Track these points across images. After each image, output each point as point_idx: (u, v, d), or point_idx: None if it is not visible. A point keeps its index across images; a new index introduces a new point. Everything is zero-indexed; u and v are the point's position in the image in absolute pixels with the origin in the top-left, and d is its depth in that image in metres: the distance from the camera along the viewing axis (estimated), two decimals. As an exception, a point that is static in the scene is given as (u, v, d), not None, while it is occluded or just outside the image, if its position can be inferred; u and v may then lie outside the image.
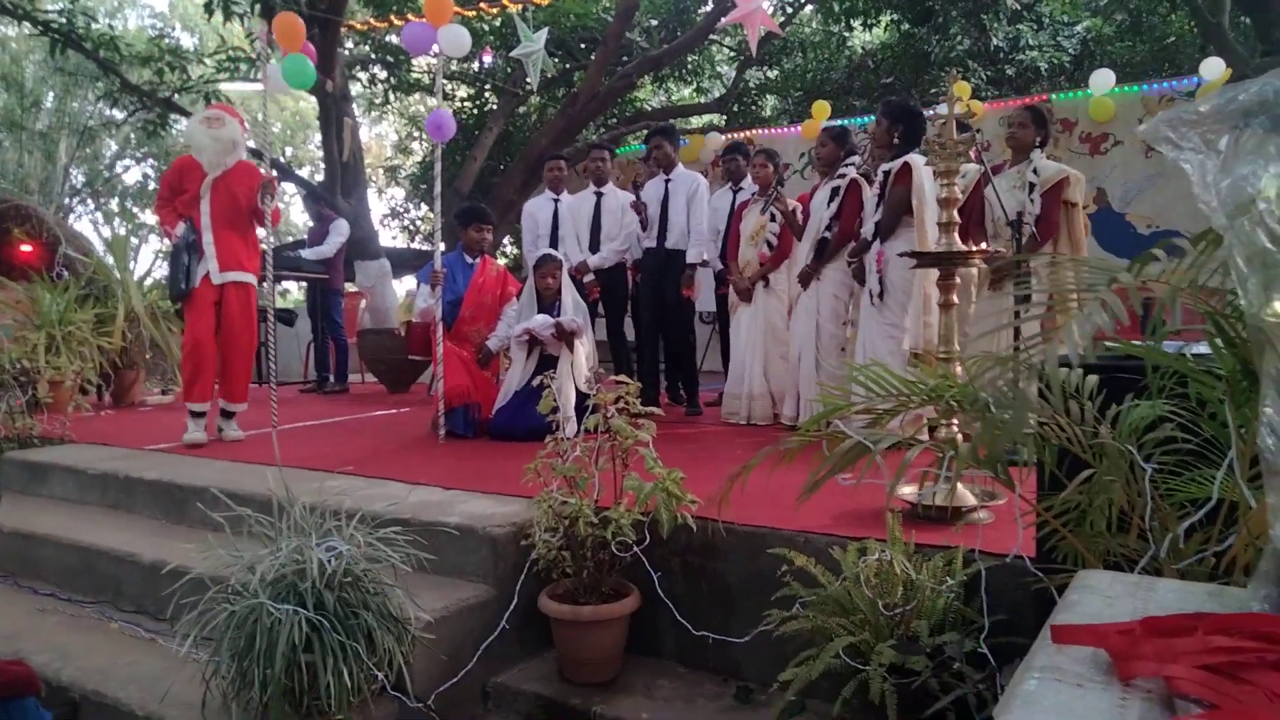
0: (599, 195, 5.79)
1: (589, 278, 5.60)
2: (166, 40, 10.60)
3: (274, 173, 5.29)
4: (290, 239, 15.45)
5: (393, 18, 8.16)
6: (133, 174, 22.33)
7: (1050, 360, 1.16)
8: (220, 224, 4.51)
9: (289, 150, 23.30)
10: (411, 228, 15.15)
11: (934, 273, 3.23)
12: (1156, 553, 1.50)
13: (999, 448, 1.54)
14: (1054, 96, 8.12)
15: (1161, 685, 0.70)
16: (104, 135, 20.12)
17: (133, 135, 18.95)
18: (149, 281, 7.27)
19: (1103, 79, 7.63)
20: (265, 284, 5.01)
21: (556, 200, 5.88)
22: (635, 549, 2.50)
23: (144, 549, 3.11)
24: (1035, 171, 4.27)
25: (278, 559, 2.16)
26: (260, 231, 4.76)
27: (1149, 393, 1.62)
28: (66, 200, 20.82)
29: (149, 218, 19.93)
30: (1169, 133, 0.83)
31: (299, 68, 4.65)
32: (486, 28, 10.21)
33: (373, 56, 11.57)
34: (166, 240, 4.65)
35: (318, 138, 10.35)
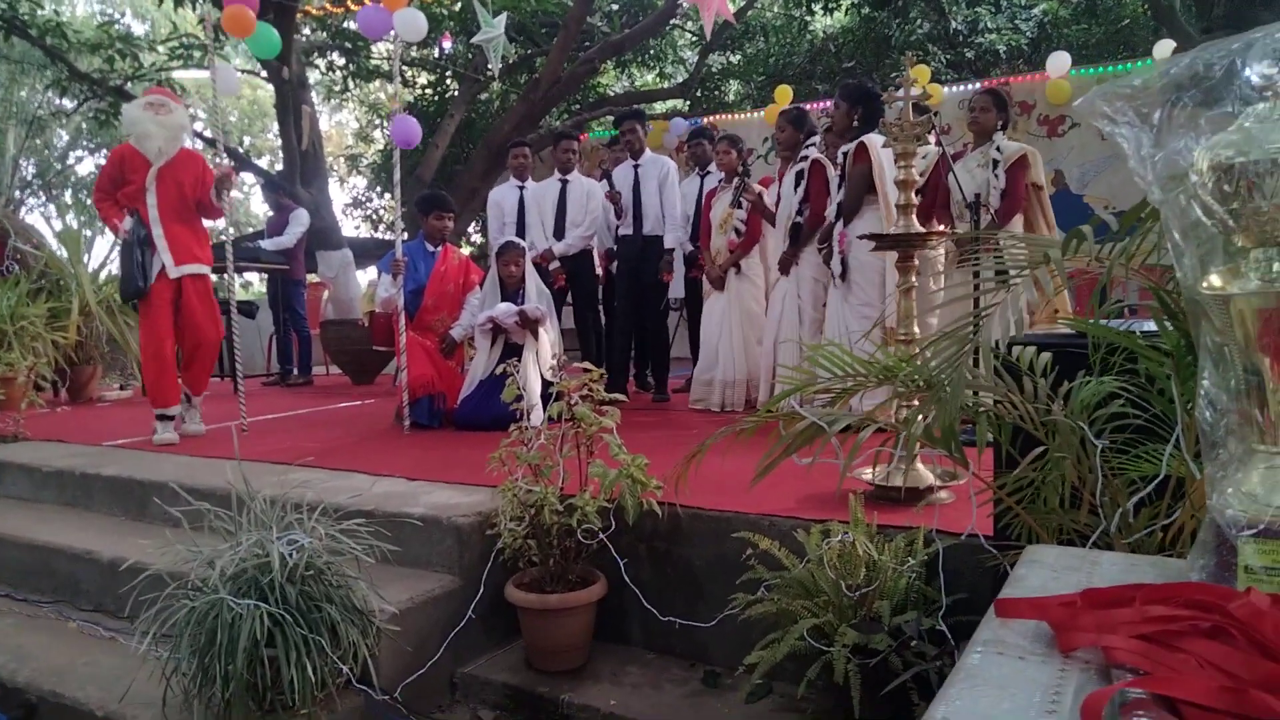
0: (564, 182, 5.75)
1: (554, 265, 5.58)
2: (116, 27, 10.34)
3: (231, 164, 5.17)
4: (250, 229, 15.19)
5: (349, 3, 8.04)
6: (85, 165, 21.69)
7: (985, 337, 1.18)
8: (169, 216, 4.35)
9: (246, 139, 22.83)
10: (374, 217, 14.95)
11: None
12: (1107, 528, 1.53)
13: (946, 424, 1.55)
14: (1011, 80, 8.21)
15: (1099, 656, 0.71)
16: (54, 125, 19.54)
17: (84, 125, 18.44)
18: (104, 275, 7.12)
19: (1059, 62, 7.72)
20: (225, 275, 4.91)
21: (522, 187, 5.84)
22: (601, 536, 2.50)
23: (102, 546, 3.06)
24: (999, 150, 4.44)
25: (238, 553, 2.13)
26: (220, 222, 4.65)
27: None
28: (17, 193, 20.21)
29: (104, 210, 19.37)
30: (1105, 107, 0.84)
31: (264, 37, 4.58)
32: (445, 13, 10.09)
33: (331, 43, 11.38)
34: (114, 235, 4.51)
35: (276, 126, 10.16)
